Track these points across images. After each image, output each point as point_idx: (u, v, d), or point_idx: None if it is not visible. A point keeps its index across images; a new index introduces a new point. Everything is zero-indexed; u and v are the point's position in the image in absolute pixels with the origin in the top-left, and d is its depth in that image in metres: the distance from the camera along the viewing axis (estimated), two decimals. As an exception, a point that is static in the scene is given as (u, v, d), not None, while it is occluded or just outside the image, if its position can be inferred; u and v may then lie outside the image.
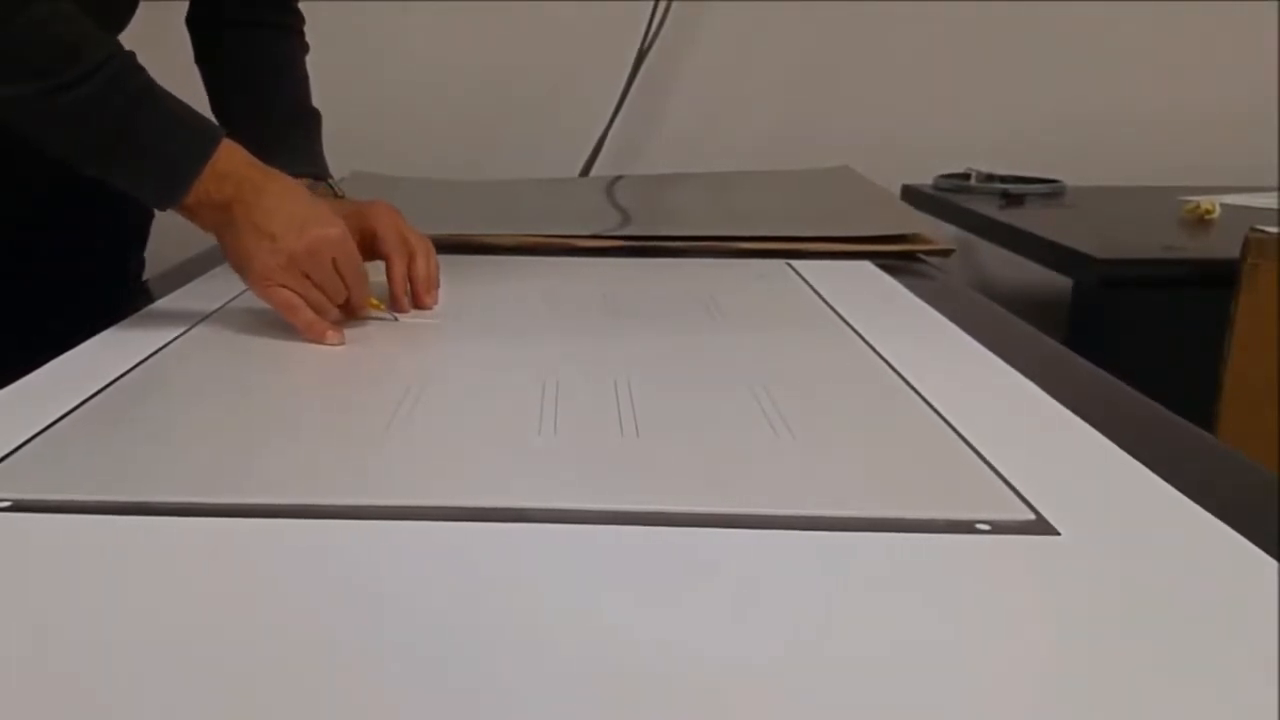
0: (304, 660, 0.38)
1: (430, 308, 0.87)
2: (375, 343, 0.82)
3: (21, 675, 0.37)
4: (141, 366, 0.71)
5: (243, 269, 0.77)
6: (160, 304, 0.88)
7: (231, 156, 0.75)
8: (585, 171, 1.78)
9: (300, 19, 1.07)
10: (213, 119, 0.79)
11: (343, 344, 0.77)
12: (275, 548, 0.46)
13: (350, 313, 0.81)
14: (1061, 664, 0.38)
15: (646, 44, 1.77)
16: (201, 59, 1.05)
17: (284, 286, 0.76)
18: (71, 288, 0.95)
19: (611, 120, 1.78)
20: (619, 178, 1.67)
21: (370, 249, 0.86)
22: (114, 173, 0.75)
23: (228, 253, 0.78)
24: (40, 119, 0.72)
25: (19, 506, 0.50)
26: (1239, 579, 0.44)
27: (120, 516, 0.49)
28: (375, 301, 0.83)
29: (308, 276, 0.76)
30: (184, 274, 1.01)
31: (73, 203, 0.98)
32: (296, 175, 0.83)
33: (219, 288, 0.93)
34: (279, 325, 0.79)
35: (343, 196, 0.97)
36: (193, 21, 1.05)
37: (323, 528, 0.48)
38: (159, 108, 0.74)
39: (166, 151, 0.73)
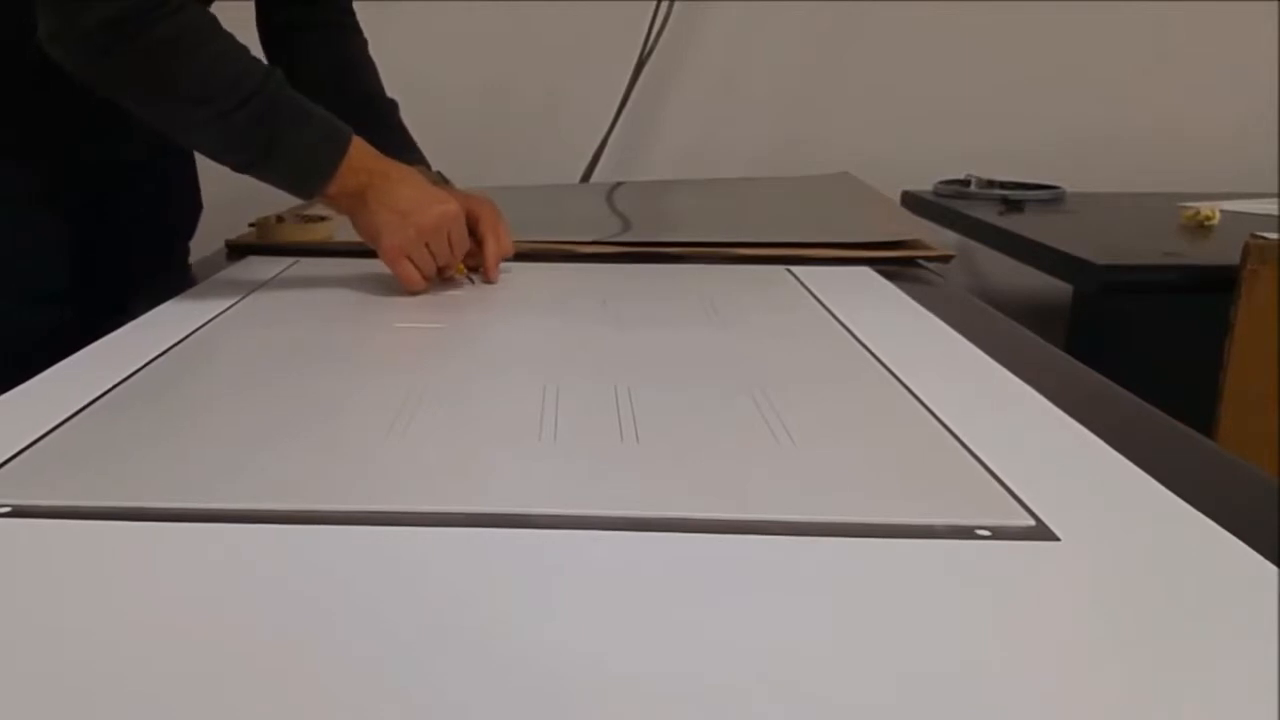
0: (305, 665, 0.38)
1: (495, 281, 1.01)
2: (377, 348, 0.82)
3: (22, 680, 0.37)
4: (142, 372, 0.71)
5: (375, 241, 0.92)
6: (160, 310, 0.88)
7: (361, 152, 0.89)
8: (586, 178, 1.78)
9: (353, 15, 1.16)
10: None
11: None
12: (276, 554, 0.46)
13: (443, 274, 0.97)
14: (1061, 669, 0.38)
15: (646, 51, 1.78)
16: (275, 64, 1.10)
17: (408, 258, 0.91)
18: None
19: (611, 127, 1.79)
20: (619, 184, 1.67)
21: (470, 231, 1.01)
22: (265, 173, 0.87)
23: (360, 228, 0.92)
24: (207, 138, 0.86)
25: (19, 512, 0.50)
26: (1239, 585, 0.44)
27: (122, 522, 0.49)
28: (462, 268, 0.99)
29: (426, 246, 0.91)
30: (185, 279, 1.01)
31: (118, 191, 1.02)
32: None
33: (218, 294, 0.94)
34: (278, 330, 0.79)
35: (449, 183, 1.09)
36: (263, 32, 1.13)
37: (324, 533, 0.48)
38: (302, 118, 0.87)
39: (309, 154, 0.87)
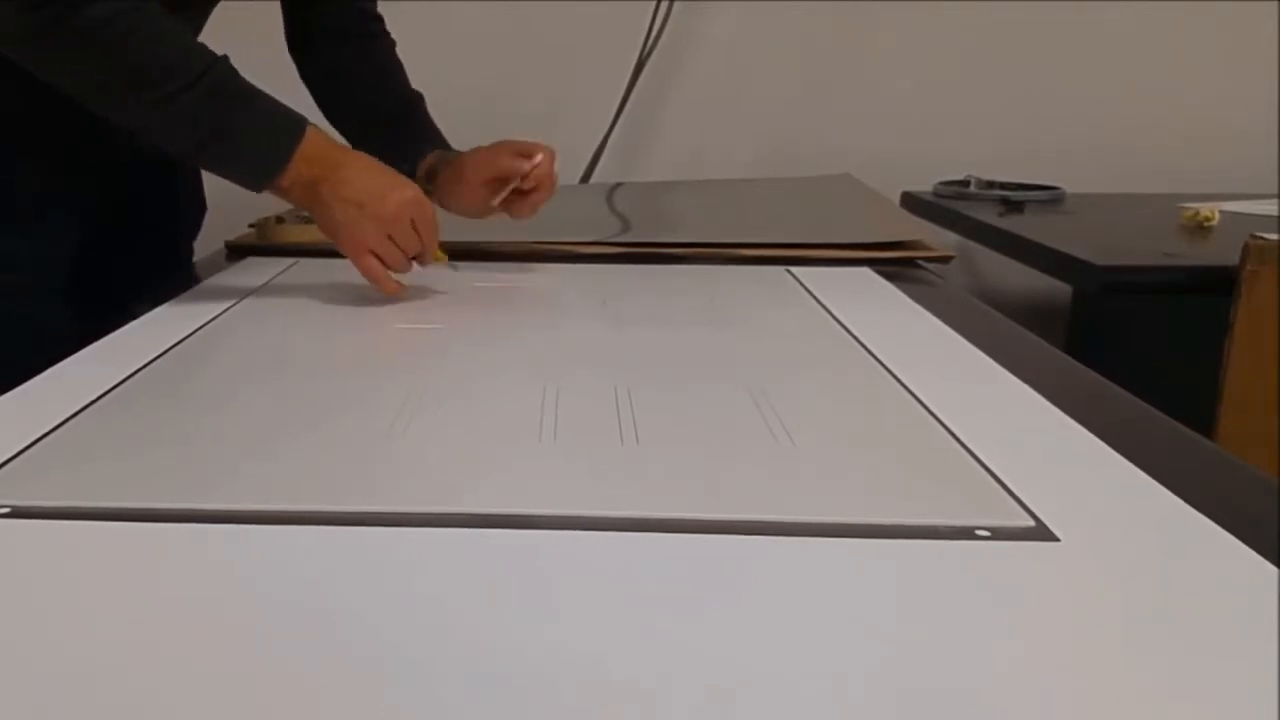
0: (303, 665, 0.38)
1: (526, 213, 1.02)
2: (377, 349, 0.82)
3: (22, 680, 0.37)
4: (142, 372, 0.71)
5: (336, 237, 0.88)
6: (159, 310, 0.88)
7: (316, 142, 0.85)
8: (586, 179, 1.78)
9: (382, 21, 1.16)
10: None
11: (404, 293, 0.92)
12: (276, 554, 0.46)
13: (421, 262, 0.92)
14: (1061, 670, 0.38)
15: (646, 52, 1.78)
16: (306, 78, 1.12)
17: (372, 253, 0.88)
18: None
19: (611, 128, 1.79)
20: (619, 185, 1.67)
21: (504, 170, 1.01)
22: (214, 164, 0.85)
23: (320, 223, 0.89)
24: (151, 123, 0.82)
25: (19, 512, 0.50)
26: (1239, 585, 0.44)
27: (121, 522, 0.49)
28: (440, 254, 0.93)
29: (390, 238, 0.87)
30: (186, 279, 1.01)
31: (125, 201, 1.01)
32: (422, 158, 1.00)
33: (217, 295, 0.94)
34: (277, 330, 0.79)
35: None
36: (291, 43, 1.13)
37: (323, 534, 0.48)
38: (251, 106, 0.83)
39: (260, 144, 0.84)
